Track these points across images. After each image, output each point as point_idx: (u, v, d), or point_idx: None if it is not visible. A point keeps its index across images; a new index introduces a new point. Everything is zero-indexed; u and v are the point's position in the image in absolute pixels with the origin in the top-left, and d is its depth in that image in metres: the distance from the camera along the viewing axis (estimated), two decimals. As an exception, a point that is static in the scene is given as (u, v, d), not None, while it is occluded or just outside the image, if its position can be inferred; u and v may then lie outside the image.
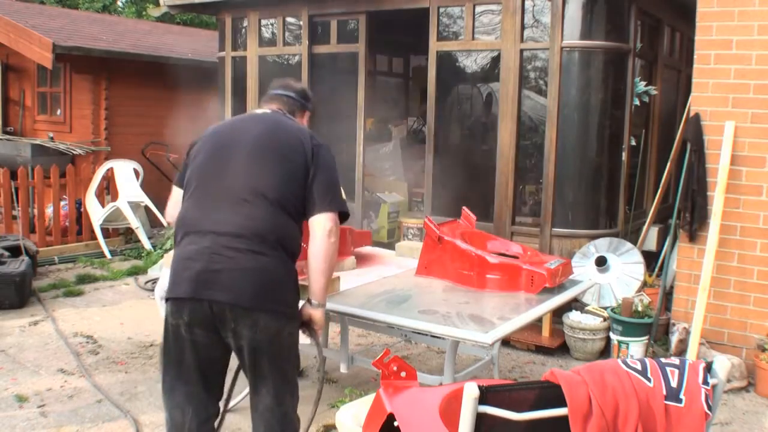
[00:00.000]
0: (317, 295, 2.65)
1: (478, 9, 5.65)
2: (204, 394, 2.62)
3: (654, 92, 5.95)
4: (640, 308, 4.87)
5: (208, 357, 2.58)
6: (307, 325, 2.71)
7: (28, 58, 8.63)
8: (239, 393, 4.05)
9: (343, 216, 2.69)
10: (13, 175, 7.41)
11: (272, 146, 2.63)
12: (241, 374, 2.75)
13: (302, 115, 2.99)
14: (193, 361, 2.56)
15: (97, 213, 7.79)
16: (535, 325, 4.98)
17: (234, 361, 2.67)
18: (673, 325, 4.91)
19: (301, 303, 2.67)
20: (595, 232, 5.35)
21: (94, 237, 7.83)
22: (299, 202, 2.60)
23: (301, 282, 3.24)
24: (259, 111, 2.88)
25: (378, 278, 3.71)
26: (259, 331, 2.48)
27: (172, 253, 3.83)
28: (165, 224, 8.07)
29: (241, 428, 3.80)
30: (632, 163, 5.80)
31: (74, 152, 8.65)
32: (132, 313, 5.85)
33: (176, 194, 2.80)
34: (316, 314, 2.68)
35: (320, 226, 2.57)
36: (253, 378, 2.58)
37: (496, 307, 3.23)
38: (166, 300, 2.59)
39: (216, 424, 2.73)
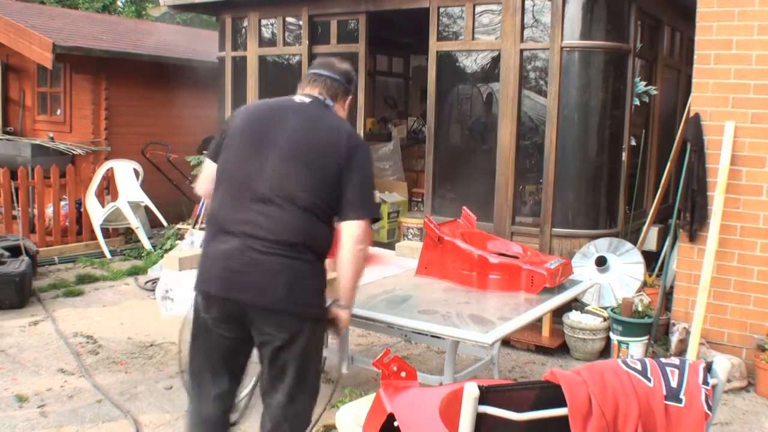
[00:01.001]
0: (344, 298, 2.63)
1: (478, 9, 5.65)
2: (227, 385, 2.67)
3: (654, 92, 5.95)
4: (640, 308, 4.87)
5: (233, 349, 2.62)
6: (332, 323, 2.70)
7: (28, 58, 8.63)
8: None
9: (374, 221, 2.66)
10: (13, 175, 7.41)
11: (307, 147, 2.55)
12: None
13: (344, 100, 2.81)
14: (219, 353, 2.63)
15: (97, 213, 7.79)
16: (535, 325, 4.98)
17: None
18: (673, 325, 4.91)
19: (328, 301, 2.65)
20: (595, 232, 5.35)
21: (94, 237, 7.83)
22: (331, 205, 2.56)
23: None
24: (297, 99, 2.70)
25: (378, 278, 3.71)
26: (284, 332, 2.50)
27: (172, 253, 3.84)
28: (165, 224, 8.08)
29: (240, 428, 3.79)
30: (632, 163, 5.80)
31: (74, 152, 8.65)
32: (132, 313, 5.85)
33: (209, 168, 2.73)
34: (342, 314, 2.66)
35: (348, 233, 2.53)
36: (271, 374, 2.59)
37: (496, 307, 3.23)
38: (196, 292, 2.62)
39: (236, 417, 2.78)
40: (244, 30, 7.24)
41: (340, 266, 2.56)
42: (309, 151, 2.55)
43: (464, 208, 4.06)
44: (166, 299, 3.72)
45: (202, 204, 7.64)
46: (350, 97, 2.85)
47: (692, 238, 4.83)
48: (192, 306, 2.66)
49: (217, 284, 2.51)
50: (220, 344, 2.61)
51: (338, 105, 2.76)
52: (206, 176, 2.76)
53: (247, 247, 2.47)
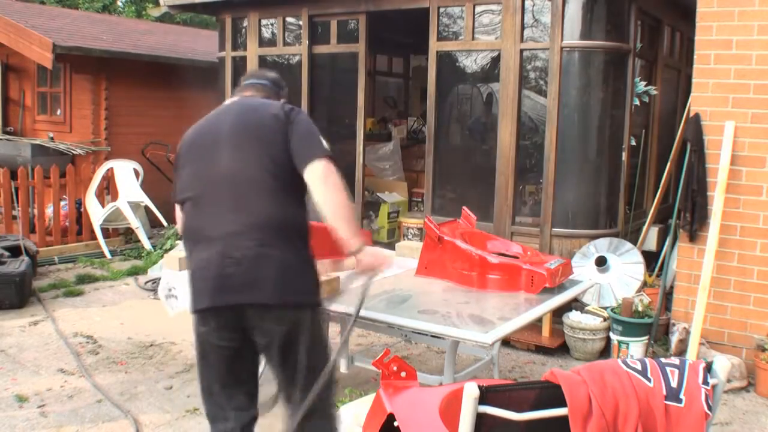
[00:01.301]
0: (350, 244, 2.49)
1: (478, 9, 5.65)
2: (243, 398, 2.63)
3: (654, 92, 5.95)
4: (640, 308, 4.87)
5: (240, 359, 2.57)
6: (363, 272, 2.61)
7: (28, 58, 8.63)
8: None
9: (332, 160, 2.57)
10: (13, 175, 7.41)
11: (249, 130, 2.56)
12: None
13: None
14: (226, 367, 2.58)
15: (97, 213, 7.79)
16: (535, 325, 4.98)
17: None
18: (673, 325, 4.91)
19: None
20: (595, 232, 5.34)
21: (94, 237, 7.83)
22: (293, 174, 2.50)
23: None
24: (226, 101, 2.78)
25: (378, 278, 3.71)
26: (286, 325, 2.47)
27: (172, 253, 3.84)
28: (165, 224, 8.07)
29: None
30: (632, 163, 5.79)
31: (74, 152, 8.65)
32: (132, 313, 5.85)
33: (178, 212, 2.76)
34: (363, 258, 2.54)
35: (314, 174, 2.44)
36: (284, 373, 2.55)
37: (496, 307, 3.23)
38: (193, 312, 2.59)
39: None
40: (244, 30, 7.23)
41: (325, 211, 2.45)
42: (253, 131, 2.55)
43: (464, 208, 4.06)
44: (171, 297, 3.73)
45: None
46: (283, 100, 2.85)
47: (692, 238, 4.83)
48: (193, 326, 2.62)
49: (206, 296, 2.47)
50: (224, 357, 2.56)
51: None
52: (181, 222, 2.73)
53: (228, 248, 2.43)
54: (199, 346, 2.63)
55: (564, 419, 1.78)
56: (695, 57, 4.81)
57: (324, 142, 2.57)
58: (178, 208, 2.74)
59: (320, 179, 2.43)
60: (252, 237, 2.43)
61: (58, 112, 9.50)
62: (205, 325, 2.54)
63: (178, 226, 2.76)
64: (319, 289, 2.62)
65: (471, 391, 1.70)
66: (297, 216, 2.55)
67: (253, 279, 2.42)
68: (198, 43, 10.88)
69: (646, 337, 4.83)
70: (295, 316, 2.49)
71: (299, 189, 2.53)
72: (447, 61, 6.02)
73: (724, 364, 1.95)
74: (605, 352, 4.99)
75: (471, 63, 6.22)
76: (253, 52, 7.10)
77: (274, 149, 2.50)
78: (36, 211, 7.57)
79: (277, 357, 2.52)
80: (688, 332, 4.68)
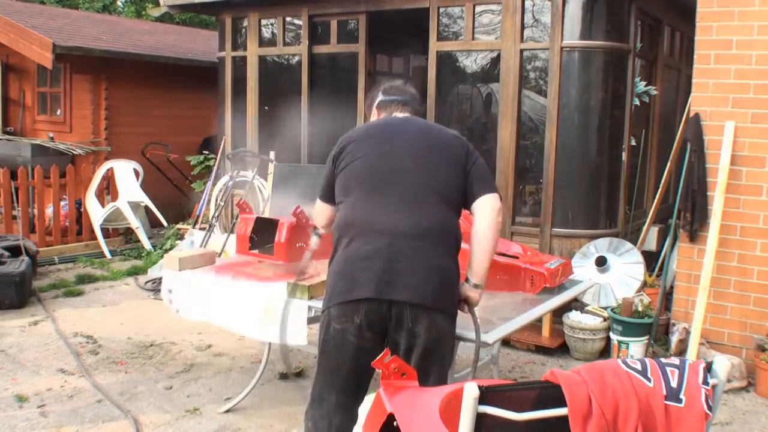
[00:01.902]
0: (478, 276, 2.59)
1: (478, 9, 5.65)
2: (351, 402, 2.57)
3: (654, 92, 5.95)
4: (640, 308, 4.87)
5: (368, 362, 2.45)
6: (463, 304, 2.65)
7: (28, 58, 8.63)
8: (238, 393, 4.06)
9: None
10: (13, 175, 7.41)
11: (433, 145, 2.66)
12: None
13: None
14: (353, 369, 2.54)
15: (97, 213, 7.79)
16: (535, 325, 4.98)
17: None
18: (673, 325, 4.91)
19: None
20: (595, 232, 5.34)
21: (94, 237, 7.84)
22: (461, 196, 2.63)
23: (307, 282, 3.23)
24: (400, 115, 2.86)
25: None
26: (435, 332, 2.46)
27: (172, 253, 3.83)
28: (165, 224, 8.07)
29: (240, 428, 3.80)
30: (632, 163, 5.80)
31: (74, 152, 8.65)
32: (132, 313, 5.85)
33: (322, 208, 2.83)
34: (474, 295, 2.62)
35: (489, 205, 2.57)
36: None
37: (496, 307, 3.23)
38: (329, 306, 2.55)
39: None
40: (244, 30, 7.23)
41: (481, 240, 2.55)
42: (437, 147, 2.66)
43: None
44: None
45: (203, 204, 7.65)
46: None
47: (692, 238, 4.83)
48: (321, 325, 2.60)
49: (368, 286, 2.45)
50: (355, 359, 2.52)
51: None
52: (325, 217, 2.84)
53: (398, 245, 2.46)
54: (328, 345, 2.57)
55: (564, 419, 1.78)
56: (695, 57, 4.81)
57: (489, 176, 2.75)
58: (321, 204, 2.84)
59: (492, 211, 2.57)
60: (424, 240, 2.48)
61: (58, 112, 9.50)
62: (346, 322, 2.49)
63: (319, 219, 2.86)
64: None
65: (471, 391, 1.70)
66: (457, 229, 2.62)
67: (419, 280, 2.44)
68: (198, 43, 10.88)
69: (646, 337, 4.83)
70: (444, 324, 2.50)
71: (459, 209, 2.67)
72: (447, 61, 6.02)
73: (724, 364, 1.95)
74: (605, 352, 4.99)
75: (471, 63, 6.22)
76: (253, 52, 7.11)
77: (454, 168, 2.63)
78: (36, 211, 7.57)
79: (416, 361, 2.47)
80: (688, 332, 4.68)
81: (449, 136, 2.73)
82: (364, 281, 2.46)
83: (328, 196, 2.78)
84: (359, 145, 2.70)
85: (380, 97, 2.93)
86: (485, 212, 2.57)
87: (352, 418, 2.55)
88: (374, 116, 2.95)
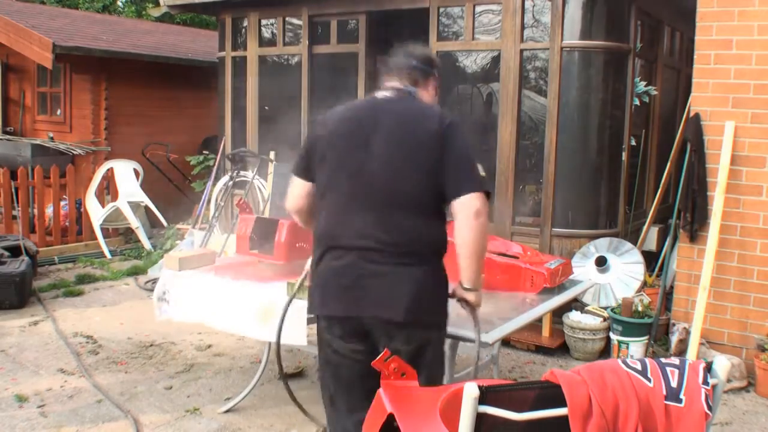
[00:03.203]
0: (470, 281, 2.51)
1: (478, 9, 5.65)
2: (361, 405, 2.43)
3: (654, 92, 5.95)
4: (640, 308, 4.87)
5: (368, 367, 2.37)
6: (464, 304, 2.62)
7: (28, 58, 8.63)
8: (238, 393, 4.06)
9: (487, 195, 2.49)
10: (13, 175, 7.41)
11: (404, 144, 2.45)
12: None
13: (427, 83, 2.71)
14: (350, 374, 2.52)
15: (97, 213, 7.79)
16: (535, 325, 4.97)
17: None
18: (673, 325, 4.91)
19: (451, 287, 2.54)
20: (595, 232, 5.34)
21: (94, 237, 7.83)
22: (440, 197, 2.46)
23: (307, 282, 3.22)
24: (381, 96, 2.63)
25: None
26: (414, 344, 2.43)
27: (172, 253, 3.83)
28: (165, 224, 8.07)
29: (240, 428, 3.80)
30: (632, 163, 5.79)
31: (74, 152, 8.65)
32: (132, 313, 5.85)
33: (298, 187, 2.65)
34: (470, 297, 2.56)
35: (466, 207, 2.39)
36: None
37: (496, 307, 3.23)
38: (317, 316, 2.55)
39: None
40: (244, 30, 7.23)
41: (459, 247, 2.44)
42: (407, 149, 2.45)
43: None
44: (162, 301, 3.71)
45: (203, 204, 7.64)
46: (433, 79, 2.74)
47: (692, 238, 4.83)
48: (317, 330, 2.59)
49: (336, 304, 2.44)
50: (351, 364, 2.50)
51: (421, 89, 2.67)
52: (297, 194, 2.66)
53: (365, 260, 2.40)
54: (323, 352, 2.57)
55: (564, 419, 1.78)
56: (695, 57, 4.81)
57: (480, 170, 2.54)
58: (297, 182, 2.65)
59: (471, 216, 2.40)
60: (392, 253, 2.40)
61: (58, 112, 9.49)
62: (331, 334, 2.50)
63: (292, 201, 2.68)
64: (447, 308, 2.55)
65: (471, 391, 1.70)
66: (437, 233, 2.50)
67: (387, 296, 2.39)
68: (198, 43, 10.88)
69: (646, 337, 4.83)
70: (424, 335, 2.46)
71: (442, 208, 2.50)
72: (447, 61, 6.02)
73: (724, 364, 1.95)
74: (605, 352, 4.99)
75: (471, 63, 6.22)
76: (253, 52, 7.11)
77: (427, 172, 2.43)
78: (36, 211, 7.57)
79: None
80: (688, 332, 4.68)
81: (425, 129, 2.47)
82: (334, 298, 2.45)
83: (304, 172, 2.62)
84: (333, 137, 2.53)
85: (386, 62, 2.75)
86: (463, 218, 2.40)
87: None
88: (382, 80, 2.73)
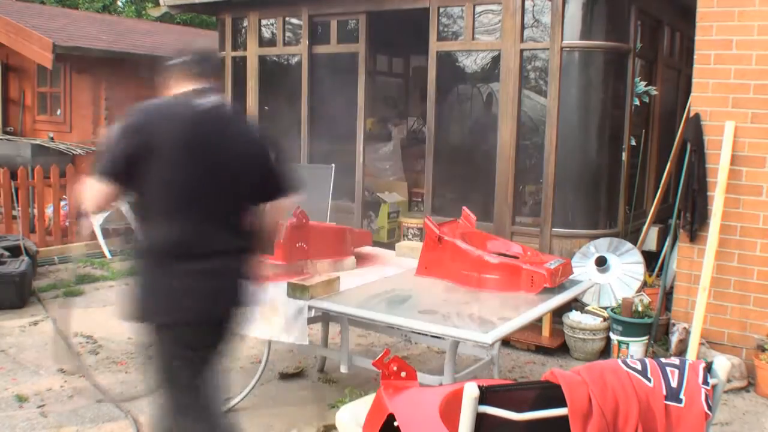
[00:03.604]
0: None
1: (478, 9, 5.65)
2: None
3: (654, 92, 5.95)
4: (640, 308, 4.87)
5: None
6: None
7: (28, 58, 8.64)
8: (238, 393, 4.06)
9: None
10: (13, 175, 7.41)
11: (223, 156, 2.52)
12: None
13: (214, 80, 2.76)
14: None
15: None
16: (535, 325, 4.98)
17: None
18: (673, 325, 4.91)
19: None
20: (595, 232, 5.34)
21: (94, 237, 7.83)
22: (255, 198, 2.65)
23: (300, 282, 3.24)
24: (195, 103, 2.57)
25: (378, 278, 3.71)
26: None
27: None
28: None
29: (240, 428, 3.79)
30: (632, 163, 5.79)
31: (74, 152, 8.65)
32: (132, 313, 5.84)
33: (104, 186, 2.60)
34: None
35: (276, 207, 2.72)
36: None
37: (496, 307, 3.23)
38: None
39: None
40: (244, 30, 7.23)
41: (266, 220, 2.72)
42: (227, 160, 2.53)
43: (464, 208, 4.06)
44: None
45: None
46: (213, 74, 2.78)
47: (692, 238, 4.83)
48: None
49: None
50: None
51: (215, 85, 2.73)
52: (104, 195, 2.63)
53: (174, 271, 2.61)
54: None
55: (564, 419, 1.78)
56: (695, 57, 4.81)
57: (293, 173, 2.72)
58: (99, 181, 2.58)
59: (279, 214, 2.79)
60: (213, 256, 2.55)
61: (58, 112, 9.50)
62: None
63: (94, 199, 2.66)
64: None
65: (471, 391, 1.70)
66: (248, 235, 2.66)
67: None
68: (198, 44, 10.86)
69: (646, 337, 4.83)
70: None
71: (253, 212, 2.68)
72: (447, 61, 6.02)
73: (724, 364, 1.95)
74: (605, 352, 4.99)
75: (471, 63, 6.22)
76: (253, 52, 7.11)
77: (247, 181, 2.58)
78: (36, 211, 7.57)
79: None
80: (688, 332, 4.68)
81: (245, 142, 2.59)
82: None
83: (111, 174, 2.56)
84: (157, 141, 2.46)
85: (174, 61, 2.76)
86: (272, 213, 2.71)
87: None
88: (169, 86, 2.73)
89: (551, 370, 1.89)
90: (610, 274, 5.20)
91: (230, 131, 2.58)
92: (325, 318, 4.16)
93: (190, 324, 2.55)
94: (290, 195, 2.69)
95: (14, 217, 7.56)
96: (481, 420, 1.72)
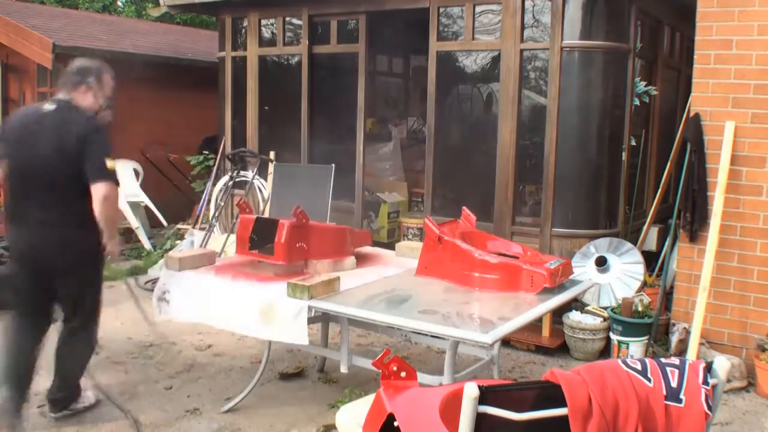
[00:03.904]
0: (107, 237, 3.58)
1: (478, 9, 5.65)
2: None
3: (654, 92, 5.95)
4: (640, 308, 4.88)
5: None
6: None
7: (28, 58, 8.63)
8: (238, 393, 4.06)
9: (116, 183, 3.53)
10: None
11: (54, 147, 3.45)
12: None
13: (80, 89, 3.63)
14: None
15: (97, 213, 7.78)
16: (535, 325, 4.98)
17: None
18: (673, 325, 4.91)
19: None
20: (595, 232, 5.35)
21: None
22: (82, 183, 3.45)
23: (300, 282, 3.23)
24: (45, 107, 3.60)
25: (378, 278, 3.71)
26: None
27: (172, 253, 3.84)
28: (165, 224, 8.07)
29: (241, 428, 3.80)
30: (632, 163, 5.80)
31: (74, 152, 8.63)
32: (132, 313, 5.81)
33: None
34: (110, 246, 3.61)
35: (97, 191, 3.43)
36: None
37: (496, 307, 3.23)
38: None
39: None
40: (244, 30, 7.24)
41: (99, 219, 3.47)
42: (55, 149, 3.46)
43: (464, 208, 4.06)
44: (162, 301, 3.71)
45: (203, 204, 7.65)
46: (88, 88, 3.65)
47: (692, 238, 4.83)
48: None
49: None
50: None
51: (76, 94, 3.62)
52: None
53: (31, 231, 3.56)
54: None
55: (564, 419, 1.78)
56: (695, 57, 4.81)
57: (107, 164, 3.47)
58: None
59: (98, 200, 3.43)
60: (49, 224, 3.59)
61: (58, 112, 9.48)
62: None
63: None
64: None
65: (471, 391, 1.70)
66: (80, 209, 3.51)
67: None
68: (198, 43, 10.88)
69: (646, 337, 4.83)
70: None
71: (84, 191, 3.46)
72: (447, 61, 6.02)
73: (724, 364, 1.95)
74: (605, 352, 4.99)
75: (471, 63, 6.22)
76: (253, 52, 7.11)
77: (70, 167, 3.45)
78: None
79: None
80: (688, 332, 4.68)
81: (70, 135, 3.45)
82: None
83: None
84: (10, 141, 3.60)
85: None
86: (96, 199, 3.43)
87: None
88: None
89: (551, 370, 1.89)
90: (610, 274, 5.20)
91: (50, 128, 3.49)
92: (325, 318, 4.15)
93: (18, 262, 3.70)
94: (97, 183, 3.41)
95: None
96: (481, 420, 1.72)
